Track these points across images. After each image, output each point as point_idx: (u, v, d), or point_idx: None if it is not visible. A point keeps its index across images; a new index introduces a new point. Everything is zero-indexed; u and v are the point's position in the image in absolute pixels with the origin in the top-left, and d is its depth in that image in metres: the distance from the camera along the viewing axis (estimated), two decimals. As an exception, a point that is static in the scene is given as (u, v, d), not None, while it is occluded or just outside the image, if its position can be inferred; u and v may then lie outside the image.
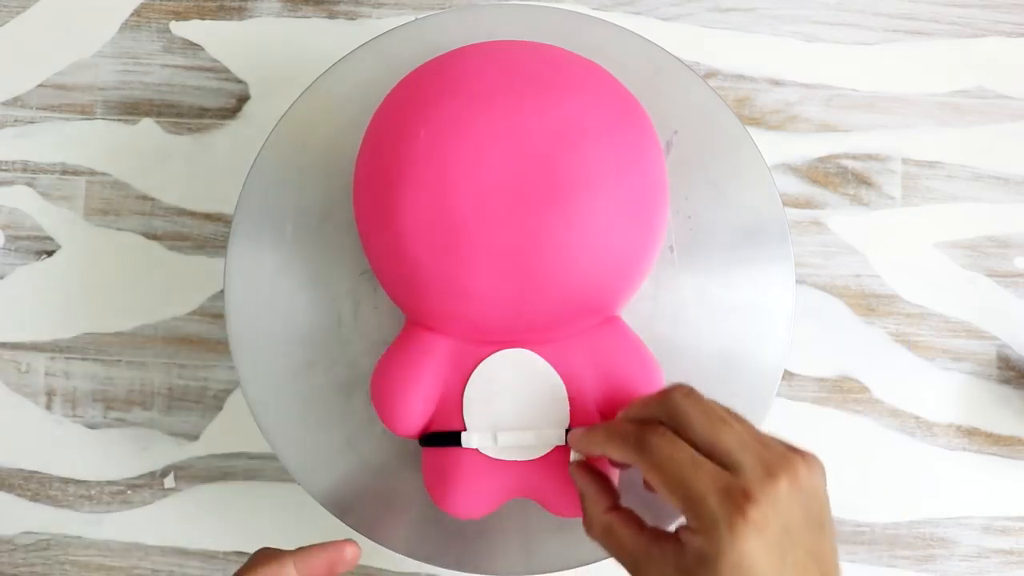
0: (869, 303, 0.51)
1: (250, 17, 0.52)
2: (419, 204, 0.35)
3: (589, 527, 0.33)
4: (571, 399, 0.36)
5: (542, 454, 0.36)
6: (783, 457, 0.28)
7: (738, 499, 0.27)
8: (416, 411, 0.37)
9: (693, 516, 0.28)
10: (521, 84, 0.36)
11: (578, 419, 0.36)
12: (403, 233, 0.35)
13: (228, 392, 0.51)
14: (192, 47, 0.52)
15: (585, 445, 0.34)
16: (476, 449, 0.36)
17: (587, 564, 0.40)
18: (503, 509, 0.39)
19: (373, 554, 0.50)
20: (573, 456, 0.35)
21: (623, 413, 0.33)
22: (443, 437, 0.36)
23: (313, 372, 0.41)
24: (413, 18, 0.43)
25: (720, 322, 0.40)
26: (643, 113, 0.38)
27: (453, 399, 0.36)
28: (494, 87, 0.36)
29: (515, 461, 0.36)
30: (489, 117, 0.35)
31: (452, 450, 0.36)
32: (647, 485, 0.33)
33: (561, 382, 0.36)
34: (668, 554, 0.29)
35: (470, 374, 0.36)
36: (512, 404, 0.36)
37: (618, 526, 0.32)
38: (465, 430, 0.36)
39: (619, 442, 0.31)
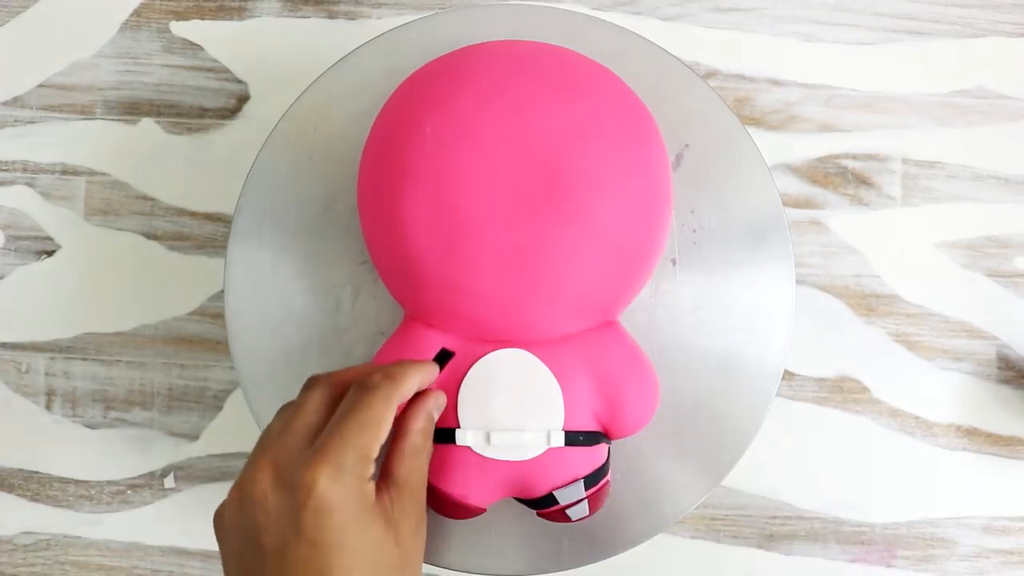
0: (869, 303, 0.51)
1: (250, 17, 0.52)
2: (422, 200, 0.35)
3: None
4: (566, 401, 0.36)
5: (535, 455, 0.36)
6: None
7: None
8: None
9: None
10: (529, 84, 0.36)
11: (572, 421, 0.36)
12: (405, 229, 0.35)
13: (228, 392, 0.51)
14: (192, 47, 0.52)
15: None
16: (469, 447, 0.36)
17: (587, 564, 0.40)
18: (504, 509, 0.39)
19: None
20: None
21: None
22: (437, 434, 0.36)
23: (307, 357, 0.41)
24: (413, 18, 0.43)
25: (720, 322, 0.40)
26: (650, 118, 0.37)
27: (448, 396, 0.36)
28: (502, 86, 0.35)
29: (507, 461, 0.36)
30: (496, 116, 0.35)
31: (445, 447, 0.36)
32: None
33: (557, 384, 0.36)
34: None
35: (466, 372, 0.36)
36: (507, 404, 0.36)
37: None
38: (459, 428, 0.36)
39: None
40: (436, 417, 0.35)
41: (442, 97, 0.36)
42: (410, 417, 0.34)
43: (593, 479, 0.36)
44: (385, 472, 0.33)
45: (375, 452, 0.30)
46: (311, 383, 0.33)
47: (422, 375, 0.34)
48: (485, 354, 0.36)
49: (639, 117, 0.37)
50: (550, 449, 0.36)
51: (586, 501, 0.36)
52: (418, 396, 0.35)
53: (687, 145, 0.41)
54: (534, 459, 0.36)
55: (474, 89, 0.36)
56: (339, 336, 0.41)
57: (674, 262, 0.41)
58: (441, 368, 0.36)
